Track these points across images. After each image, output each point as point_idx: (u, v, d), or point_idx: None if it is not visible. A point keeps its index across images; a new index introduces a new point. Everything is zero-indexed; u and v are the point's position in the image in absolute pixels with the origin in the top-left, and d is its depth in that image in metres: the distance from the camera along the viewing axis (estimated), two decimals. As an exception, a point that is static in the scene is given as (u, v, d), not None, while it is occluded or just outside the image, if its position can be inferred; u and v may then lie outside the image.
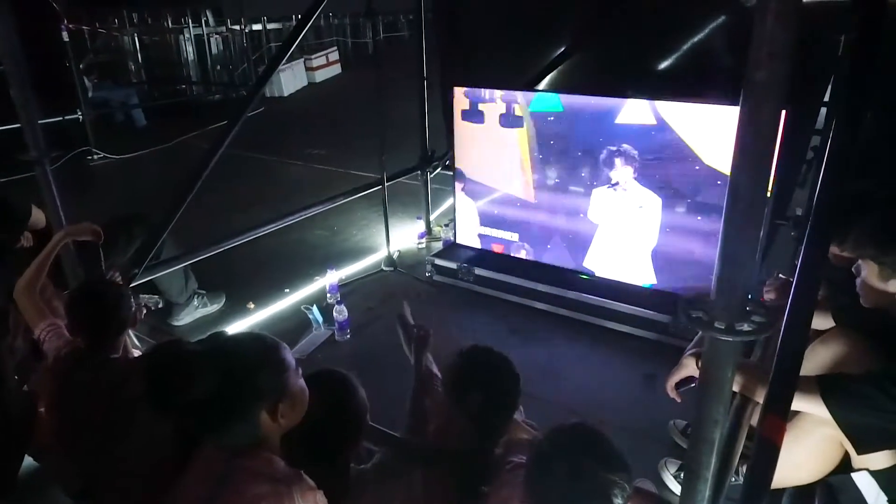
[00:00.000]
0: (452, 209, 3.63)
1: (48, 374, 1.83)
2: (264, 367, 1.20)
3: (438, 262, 3.52)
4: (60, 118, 6.33)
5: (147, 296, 3.00)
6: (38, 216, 2.55)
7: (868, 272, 1.52)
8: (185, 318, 3.22)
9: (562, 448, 1.24)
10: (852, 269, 1.60)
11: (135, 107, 8.28)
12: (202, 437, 1.24)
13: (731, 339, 0.89)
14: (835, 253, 1.77)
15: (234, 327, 3.15)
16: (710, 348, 0.94)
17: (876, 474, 1.49)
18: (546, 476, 1.22)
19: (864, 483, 1.50)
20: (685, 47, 3.01)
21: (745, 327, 0.89)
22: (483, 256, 3.46)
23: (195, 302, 3.26)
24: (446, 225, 4.08)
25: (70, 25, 6.59)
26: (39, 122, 2.30)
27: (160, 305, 3.14)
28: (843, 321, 1.77)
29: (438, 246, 3.94)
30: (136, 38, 9.60)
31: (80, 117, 6.48)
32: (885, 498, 1.47)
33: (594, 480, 1.17)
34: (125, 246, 2.86)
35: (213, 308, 3.33)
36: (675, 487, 2.05)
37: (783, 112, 0.83)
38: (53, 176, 2.32)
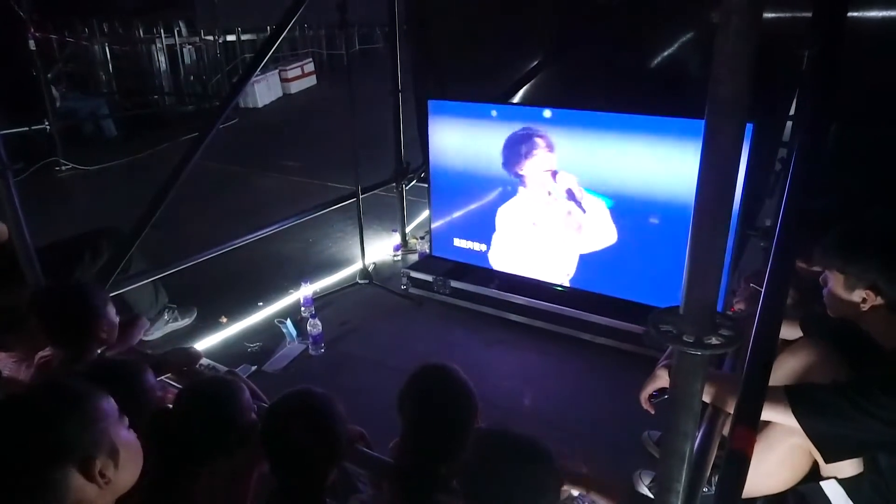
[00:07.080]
0: (428, 221, 3.62)
1: None
2: (62, 420, 1.05)
3: (414, 274, 3.50)
4: (27, 128, 6.18)
5: None
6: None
7: (834, 283, 1.55)
8: (155, 333, 3.15)
9: (484, 457, 1.27)
10: (819, 280, 1.63)
11: (105, 117, 8.11)
12: None
13: (699, 353, 0.90)
14: (801, 266, 1.80)
15: (206, 341, 3.10)
16: (679, 362, 0.94)
17: (844, 482, 1.51)
18: (479, 489, 1.25)
19: (833, 491, 1.52)
20: (655, 61, 3.05)
21: (714, 341, 0.89)
22: (459, 269, 3.46)
23: (165, 316, 3.19)
24: (422, 237, 4.07)
25: (37, 34, 6.45)
26: (4, 132, 2.23)
27: None
28: (811, 331, 1.80)
29: (414, 258, 3.92)
30: (107, 48, 9.42)
31: (48, 127, 6.34)
32: (853, 505, 1.50)
33: (528, 478, 1.21)
34: (92, 260, 2.79)
35: (184, 322, 3.26)
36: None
37: (750, 125, 0.85)
38: (17, 187, 2.26)
